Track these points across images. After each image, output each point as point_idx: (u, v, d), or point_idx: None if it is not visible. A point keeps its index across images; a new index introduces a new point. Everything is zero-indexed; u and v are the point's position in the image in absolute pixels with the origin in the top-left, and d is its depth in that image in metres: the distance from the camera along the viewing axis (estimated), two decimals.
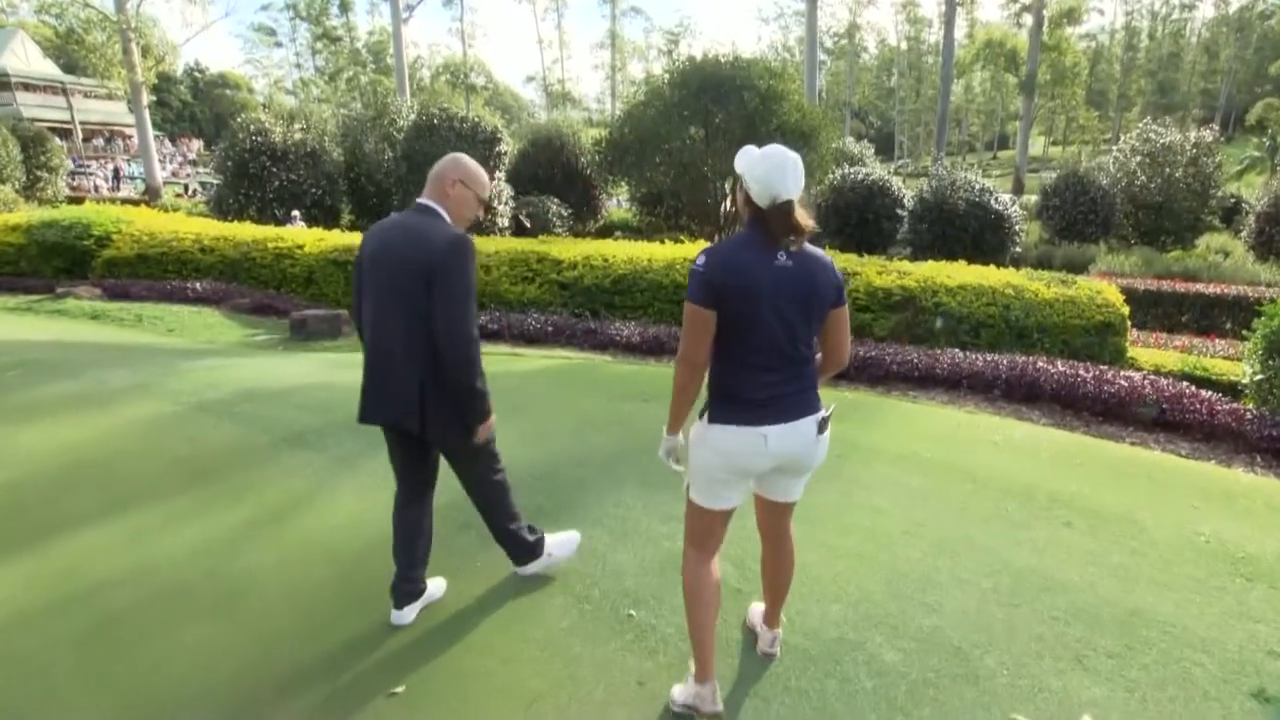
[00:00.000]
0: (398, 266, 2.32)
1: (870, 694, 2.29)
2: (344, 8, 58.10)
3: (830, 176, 17.59)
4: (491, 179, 17.75)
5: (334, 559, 3.03)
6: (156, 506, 3.53)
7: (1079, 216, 18.76)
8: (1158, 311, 12.69)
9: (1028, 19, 31.02)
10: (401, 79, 26.97)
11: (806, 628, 2.61)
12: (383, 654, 2.44)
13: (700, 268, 1.94)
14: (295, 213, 15.77)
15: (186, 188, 27.81)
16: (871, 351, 6.97)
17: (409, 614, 2.59)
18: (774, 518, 2.28)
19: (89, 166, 30.34)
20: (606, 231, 21.60)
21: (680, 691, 2.18)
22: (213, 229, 11.56)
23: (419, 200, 2.42)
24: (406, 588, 2.59)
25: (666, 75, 14.96)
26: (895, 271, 8.39)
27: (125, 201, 21.27)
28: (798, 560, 2.42)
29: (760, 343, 1.97)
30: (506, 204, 18.21)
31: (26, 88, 39.05)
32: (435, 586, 2.73)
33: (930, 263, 9.33)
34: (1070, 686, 2.34)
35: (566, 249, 9.93)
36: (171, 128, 56.16)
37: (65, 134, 35.85)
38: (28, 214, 11.95)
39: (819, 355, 2.14)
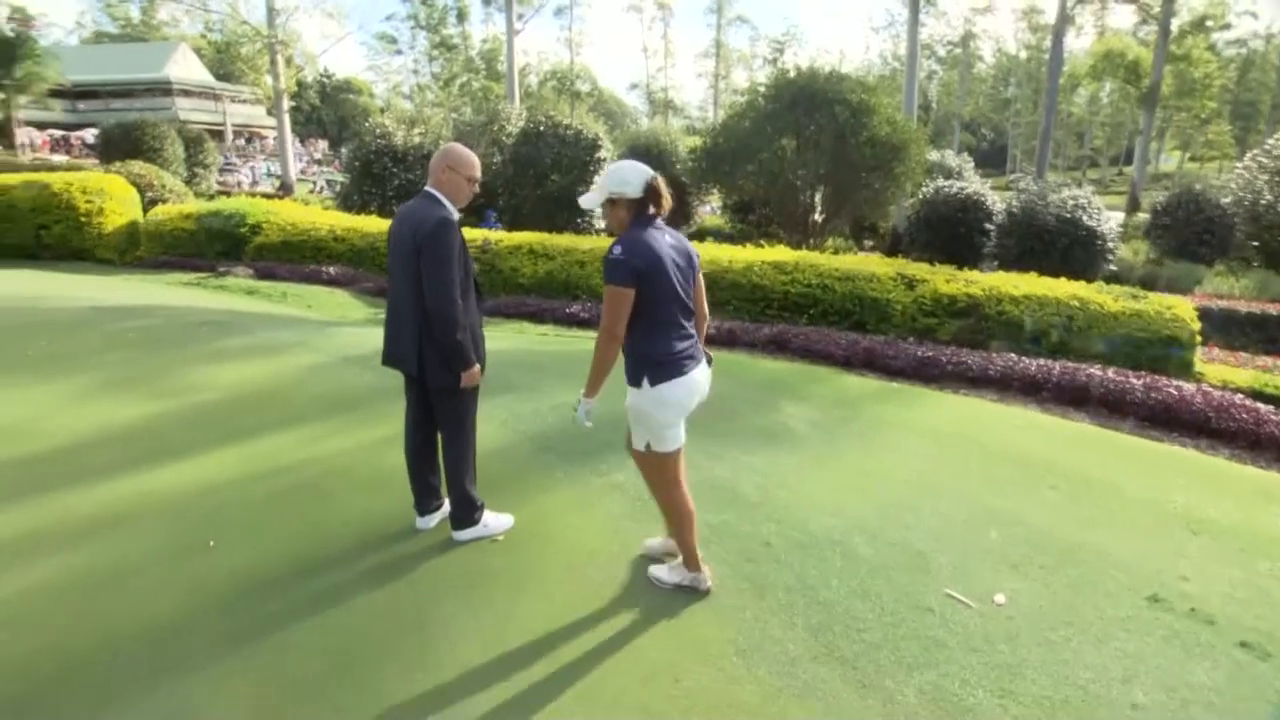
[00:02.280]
0: (400, 242, 2.98)
1: (839, 570, 3.12)
2: (461, 17, 61.47)
3: (923, 190, 17.89)
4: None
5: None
6: (319, 422, 4.73)
7: (1192, 236, 18.21)
8: (1261, 335, 12.44)
9: (1152, 28, 29.84)
10: (511, 86, 28.87)
11: (804, 529, 3.45)
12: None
13: (621, 255, 2.44)
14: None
15: (315, 184, 30.80)
16: (929, 352, 7.58)
17: (429, 521, 3.35)
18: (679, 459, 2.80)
19: (235, 164, 34.01)
20: (698, 237, 22.49)
21: (669, 574, 2.92)
22: (344, 221, 13.28)
23: (425, 187, 3.07)
24: (424, 504, 3.38)
25: (761, 88, 15.78)
26: (963, 280, 8.92)
27: (265, 196, 23.99)
28: (807, 488, 3.27)
29: (676, 308, 2.56)
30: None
31: (185, 94, 43.98)
32: (497, 521, 3.36)
33: (1000, 273, 9.77)
34: (999, 580, 3.10)
35: None
36: (301, 130, 61.23)
37: (216, 135, 40.15)
38: (197, 205, 14.07)
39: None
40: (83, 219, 12.29)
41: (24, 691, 2.35)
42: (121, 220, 12.76)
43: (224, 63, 40.84)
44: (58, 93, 34.89)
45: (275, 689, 2.37)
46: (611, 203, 2.62)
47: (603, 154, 19.52)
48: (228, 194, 22.38)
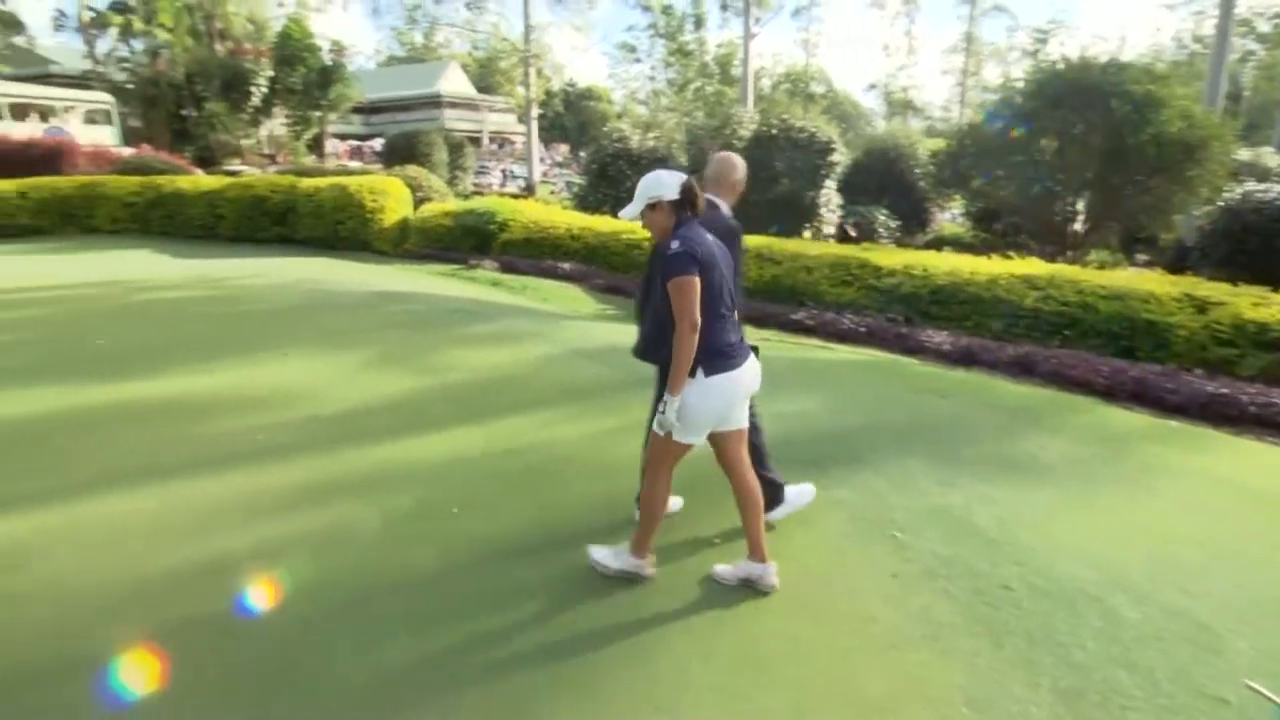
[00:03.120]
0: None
1: (1096, 630, 2.74)
2: (698, 24, 62.95)
3: (1225, 195, 15.23)
4: (821, 188, 18.64)
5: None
6: (553, 409, 5.09)
7: None
8: None
9: None
10: (745, 90, 29.07)
11: (1051, 577, 3.08)
12: (711, 523, 3.51)
13: (682, 248, 2.58)
14: None
15: (555, 186, 33.34)
16: (1223, 389, 6.43)
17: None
18: (739, 445, 2.89)
19: (488, 167, 37.82)
20: (934, 245, 21.06)
21: (607, 555, 3.00)
22: (579, 220, 14.18)
23: (705, 196, 3.16)
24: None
25: (1019, 84, 14.39)
26: (1278, 305, 7.46)
27: (511, 196, 26.38)
28: (1057, 531, 2.94)
29: (726, 299, 2.69)
30: (834, 212, 18.92)
31: (451, 105, 49.78)
32: (799, 494, 3.48)
33: None
34: None
35: (888, 257, 10.43)
36: (545, 135, 66.39)
37: (474, 141, 45.00)
38: (455, 204, 15.82)
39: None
40: (368, 216, 14.34)
41: (312, 613, 2.78)
42: (397, 217, 14.71)
43: (484, 76, 45.50)
44: (357, 109, 40.98)
45: (506, 653, 2.59)
46: (651, 208, 2.74)
47: (836, 158, 18.97)
48: (481, 194, 24.97)
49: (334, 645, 2.62)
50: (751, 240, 12.28)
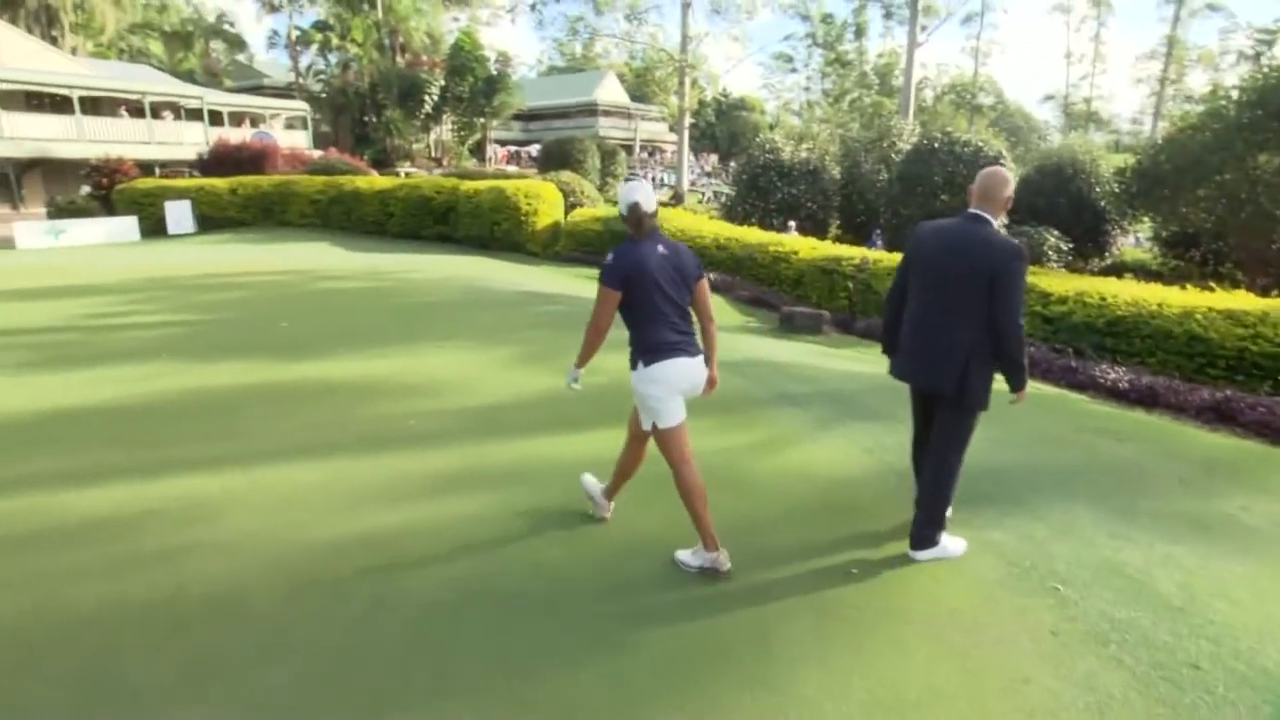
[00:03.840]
0: (963, 265, 3.02)
1: None
2: (859, 33, 61.17)
3: None
4: None
5: (811, 479, 4.09)
6: (693, 419, 5.03)
7: None
8: None
9: None
10: (907, 101, 27.96)
11: (1257, 664, 2.67)
12: (847, 550, 3.37)
13: (611, 262, 2.98)
14: (791, 223, 18.01)
15: (703, 195, 33.58)
16: None
17: (922, 555, 3.26)
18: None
19: (638, 174, 38.66)
20: (1113, 271, 19.25)
21: (692, 557, 3.14)
22: (726, 230, 14.16)
23: (971, 209, 3.11)
24: (924, 532, 3.27)
25: (1234, 92, 12.87)
26: None
27: (660, 204, 26.76)
28: (1268, 609, 2.58)
29: (663, 307, 2.97)
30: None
31: (606, 113, 51.21)
32: (954, 544, 3.33)
33: None
34: None
35: (1058, 283, 9.64)
36: (695, 144, 66.71)
37: (626, 149, 46.14)
38: (604, 210, 16.28)
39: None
40: (523, 218, 15.05)
41: (450, 596, 2.91)
42: (549, 220, 15.34)
43: (639, 85, 46.54)
44: (517, 116, 43.16)
45: (631, 661, 2.59)
46: (622, 218, 3.13)
47: None
48: None
49: (465, 624, 2.75)
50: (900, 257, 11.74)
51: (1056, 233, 18.18)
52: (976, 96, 59.01)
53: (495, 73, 37.28)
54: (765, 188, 21.12)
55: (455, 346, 6.62)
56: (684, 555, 3.19)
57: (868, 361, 7.90)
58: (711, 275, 12.84)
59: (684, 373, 3.06)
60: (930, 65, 65.47)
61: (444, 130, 38.83)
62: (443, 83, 36.13)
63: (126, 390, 5.45)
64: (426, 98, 35.50)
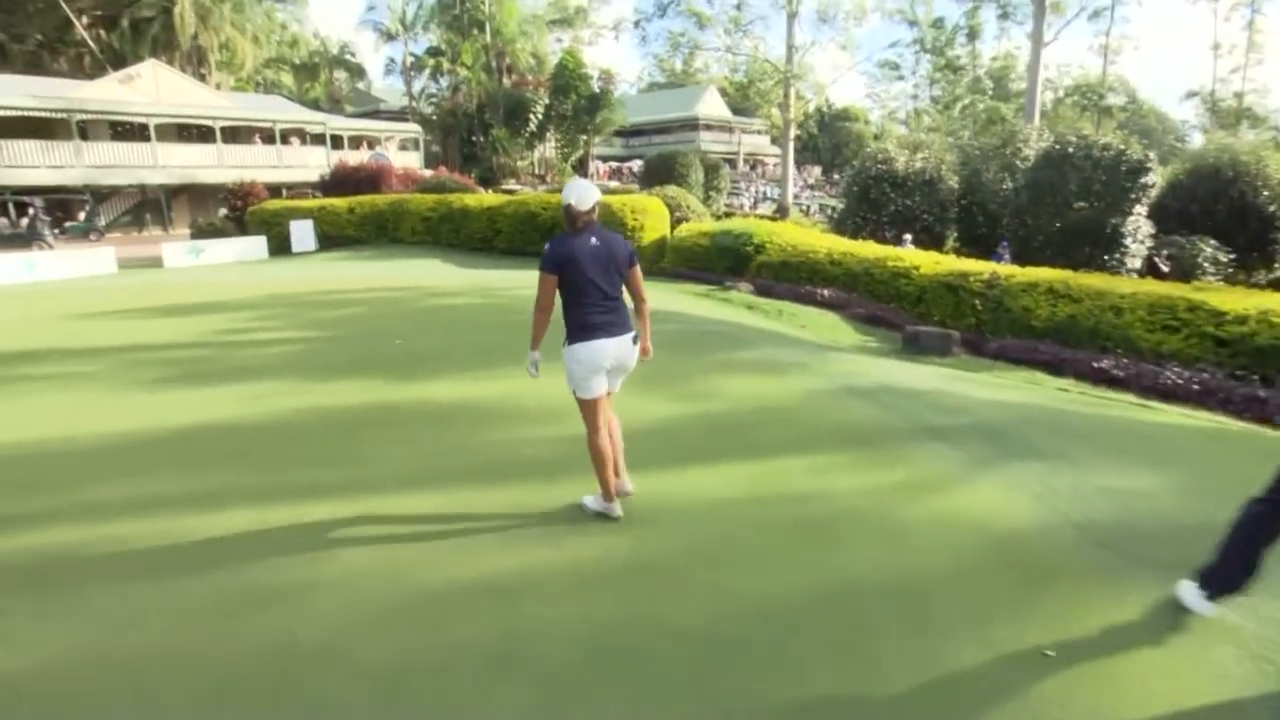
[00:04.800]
0: None
1: None
2: (972, 36, 58.52)
3: None
4: (1129, 214, 16.09)
5: (976, 530, 3.54)
6: (827, 453, 4.60)
7: None
8: None
9: None
10: (1032, 104, 26.26)
11: None
12: (1035, 624, 2.83)
13: (547, 250, 3.33)
14: (907, 236, 17.11)
15: (807, 208, 32.67)
16: None
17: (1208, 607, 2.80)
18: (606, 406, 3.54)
19: (740, 188, 38.18)
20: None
21: (593, 502, 3.67)
22: (840, 245, 13.50)
23: None
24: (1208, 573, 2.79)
25: None
26: None
27: (762, 217, 26.17)
28: None
29: (588, 292, 3.30)
30: (1141, 243, 16.24)
31: (707, 128, 51.06)
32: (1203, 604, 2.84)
33: None
34: None
35: (1234, 300, 8.54)
36: (798, 157, 65.19)
37: (728, 162, 45.78)
38: (711, 224, 15.92)
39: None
40: (628, 233, 14.86)
41: (573, 656, 2.58)
42: (656, 235, 15.11)
43: (741, 98, 46.15)
44: (618, 132, 43.56)
45: None
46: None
47: (1150, 179, 16.28)
48: (732, 214, 25.12)
49: (593, 691, 2.41)
50: (1042, 273, 10.79)
51: (1214, 243, 16.48)
52: (1105, 97, 55.15)
53: (598, 90, 37.74)
54: (877, 200, 20.21)
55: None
56: (588, 500, 3.72)
57: (1013, 388, 7.17)
58: (825, 292, 12.26)
59: (607, 352, 3.39)
60: (1050, 66, 61.72)
61: (548, 147, 39.63)
62: (547, 101, 36.91)
63: (251, 409, 5.49)
64: (531, 116, 36.35)
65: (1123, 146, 16.52)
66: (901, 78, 65.88)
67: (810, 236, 14.24)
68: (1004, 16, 54.31)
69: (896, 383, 6.29)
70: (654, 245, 15.09)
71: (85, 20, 35.89)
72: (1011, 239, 17.50)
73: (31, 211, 21.90)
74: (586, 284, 3.32)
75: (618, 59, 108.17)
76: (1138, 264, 16.26)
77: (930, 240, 19.80)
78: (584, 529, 3.56)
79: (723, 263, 14.16)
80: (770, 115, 33.32)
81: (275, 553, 3.30)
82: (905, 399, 5.75)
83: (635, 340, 3.50)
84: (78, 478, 4.31)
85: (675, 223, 15.81)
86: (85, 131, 25.62)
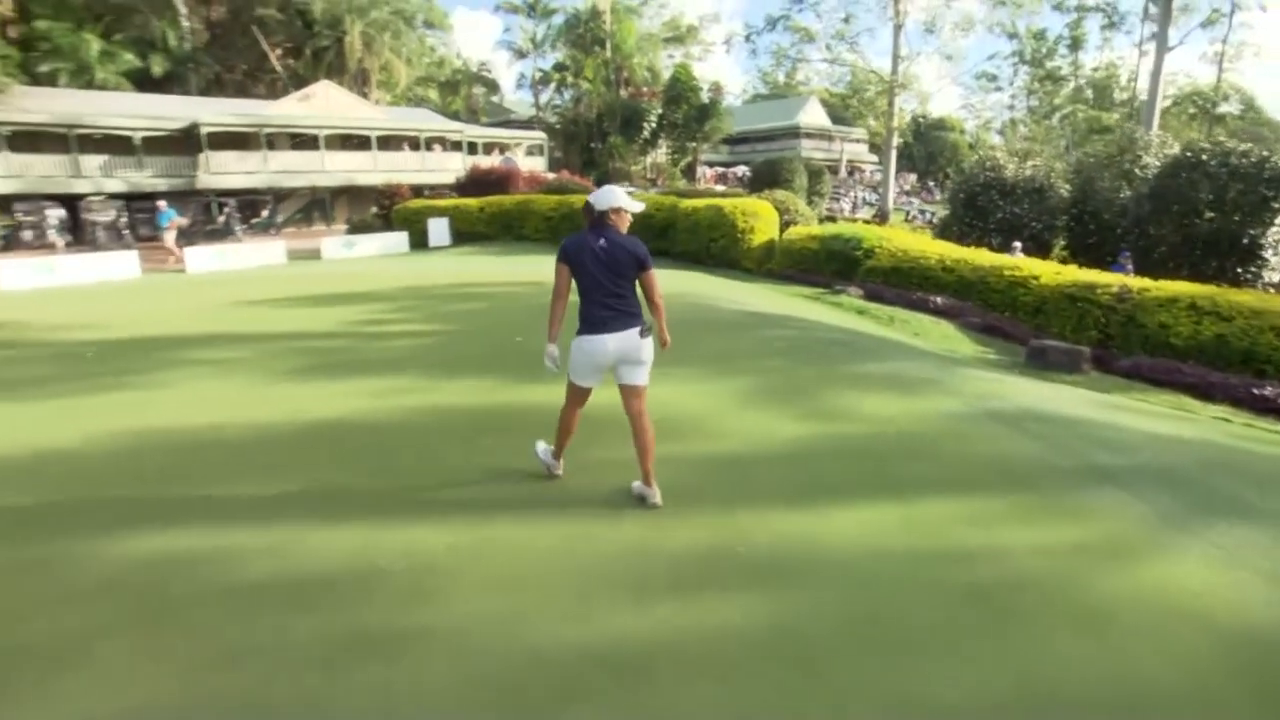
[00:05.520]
0: None
1: None
2: (1074, 46, 53.46)
3: None
4: (1270, 226, 13.77)
5: (1206, 624, 2.57)
6: (984, 496, 3.65)
7: None
8: None
9: None
10: (1151, 112, 23.30)
11: None
12: None
13: (563, 244, 3.29)
14: (1016, 244, 15.33)
15: (907, 214, 30.49)
16: None
17: None
18: (630, 399, 3.38)
19: (840, 193, 36.19)
20: None
21: (543, 453, 3.75)
22: (954, 252, 12.10)
23: None
24: None
25: None
26: None
27: (864, 222, 24.49)
28: None
29: (593, 288, 3.22)
30: None
31: (808, 136, 48.78)
32: None
33: None
34: None
35: None
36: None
37: (830, 169, 43.63)
38: (820, 228, 14.76)
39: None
40: (739, 235, 13.96)
41: None
42: (764, 238, 14.11)
43: (843, 108, 44.01)
44: (724, 139, 42.31)
45: None
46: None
47: None
48: (833, 219, 23.65)
49: None
50: (1182, 288, 9.15)
51: None
52: (1217, 105, 49.02)
53: (707, 101, 36.74)
54: (984, 207, 18.35)
55: (685, 374, 5.64)
56: (541, 447, 3.76)
57: (1167, 417, 5.90)
58: (938, 299, 10.99)
59: (608, 348, 3.25)
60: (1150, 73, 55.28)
61: (659, 153, 38.97)
62: (660, 111, 36.25)
63: (377, 405, 5.07)
64: (645, 125, 35.78)
65: (1265, 153, 14.14)
66: (999, 89, 61.22)
67: (920, 242, 12.87)
68: (1110, 26, 49.30)
69: (1042, 408, 5.20)
70: (763, 247, 14.11)
71: (278, 52, 38.38)
72: (1132, 252, 15.41)
73: (227, 210, 23.27)
74: (591, 280, 3.23)
75: (722, 72, 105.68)
76: (1277, 278, 13.93)
77: (1036, 248, 17.82)
78: (719, 581, 2.83)
79: (831, 266, 13.03)
80: (873, 124, 31.28)
81: (386, 590, 2.74)
82: (1057, 429, 4.69)
83: (644, 334, 3.30)
84: (212, 472, 3.96)
85: (784, 226, 14.74)
86: (271, 142, 27.04)
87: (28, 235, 22.05)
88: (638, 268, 3.27)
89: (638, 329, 3.27)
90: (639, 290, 3.33)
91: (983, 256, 11.80)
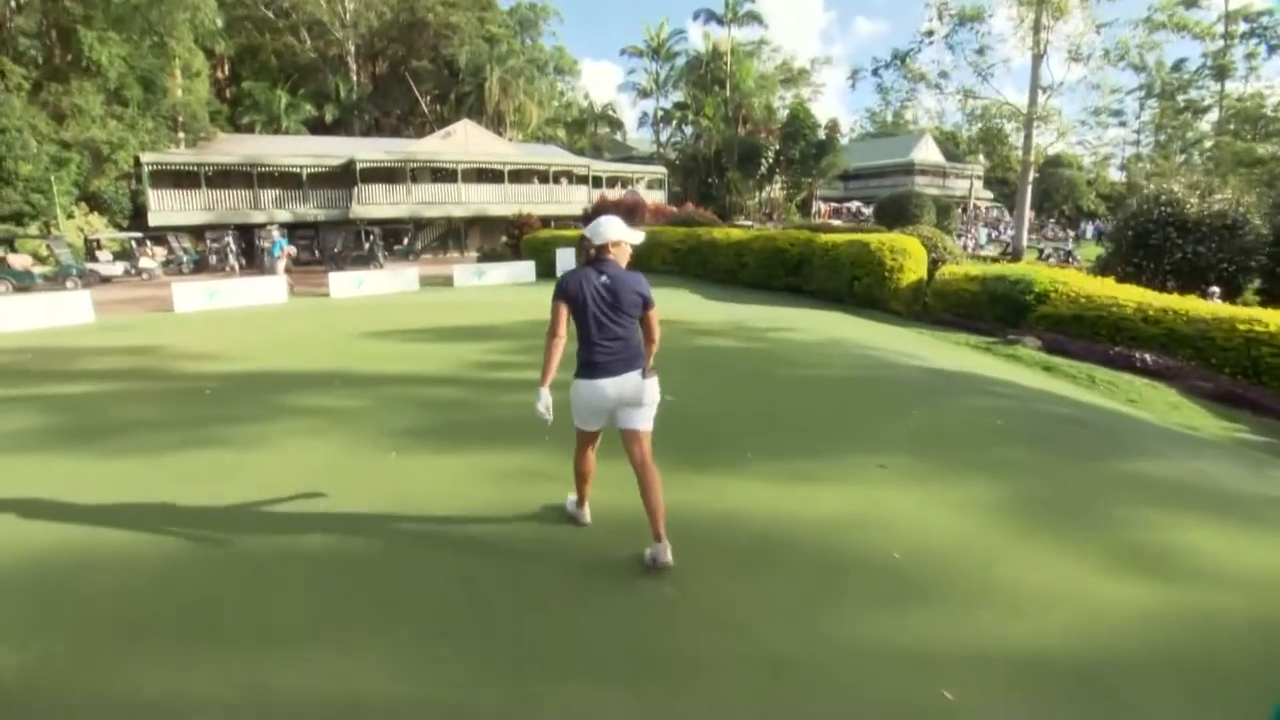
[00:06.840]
0: None
1: None
2: (1220, 75, 46.75)
3: None
4: None
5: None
6: None
7: None
8: None
9: None
10: None
11: None
12: None
13: (559, 282, 2.80)
14: (1214, 289, 12.37)
15: (1040, 252, 26.84)
16: None
17: None
18: (631, 445, 2.83)
19: (964, 230, 32.75)
20: None
21: (570, 505, 3.25)
22: (1156, 300, 9.53)
23: None
24: None
25: None
26: None
27: (995, 259, 21.48)
28: None
29: (595, 329, 2.77)
30: None
31: (922, 172, 45.21)
32: None
33: None
34: None
35: None
36: (1007, 201, 56.37)
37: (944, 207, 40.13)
38: (980, 268, 12.46)
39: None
40: (886, 274, 11.92)
41: None
42: (914, 277, 11.99)
43: (967, 144, 40.43)
44: (838, 176, 39.87)
45: None
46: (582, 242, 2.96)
47: None
48: (975, 257, 20.93)
49: None
50: None
51: None
52: None
53: (824, 137, 34.57)
54: (1158, 246, 15.26)
55: (903, 467, 3.87)
56: (570, 500, 3.25)
57: None
58: (1147, 356, 8.53)
59: (607, 394, 2.79)
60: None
61: (774, 188, 37.12)
62: (777, 147, 34.49)
63: (494, 497, 3.50)
64: (763, 160, 34.13)
65: None
66: (1124, 123, 54.69)
67: (1109, 287, 10.32)
68: (1274, 50, 42.75)
69: None
70: (911, 287, 11.97)
71: (428, 98, 40.25)
72: None
73: (371, 238, 23.65)
74: (593, 321, 2.77)
75: (830, 112, 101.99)
76: None
77: (1226, 292, 14.55)
78: None
79: (994, 311, 10.75)
80: (1010, 158, 27.95)
81: None
82: None
83: (646, 375, 2.81)
84: (269, 596, 2.62)
85: (931, 265, 12.53)
86: (414, 176, 27.59)
87: (213, 260, 23.35)
88: (642, 307, 2.86)
89: (639, 371, 2.84)
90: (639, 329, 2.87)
91: (1199, 306, 9.20)
